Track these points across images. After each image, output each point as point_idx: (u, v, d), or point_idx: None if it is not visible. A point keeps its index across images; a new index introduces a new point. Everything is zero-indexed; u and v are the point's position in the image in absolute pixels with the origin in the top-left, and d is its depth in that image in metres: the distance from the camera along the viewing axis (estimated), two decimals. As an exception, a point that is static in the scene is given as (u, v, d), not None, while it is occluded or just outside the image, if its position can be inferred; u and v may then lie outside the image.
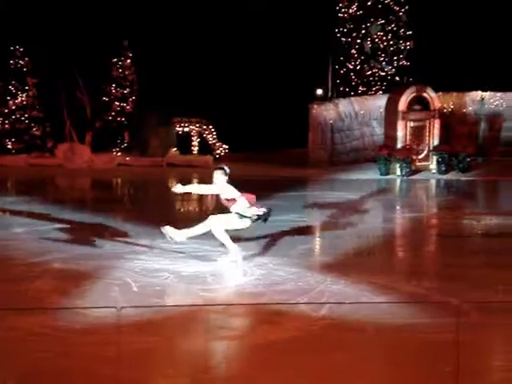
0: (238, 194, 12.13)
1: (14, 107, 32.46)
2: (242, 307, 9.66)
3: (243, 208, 12.06)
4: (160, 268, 11.64)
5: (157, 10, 32.45)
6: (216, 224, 12.02)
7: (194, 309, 9.46)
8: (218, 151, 31.35)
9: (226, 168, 12.33)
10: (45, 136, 32.66)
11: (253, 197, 12.33)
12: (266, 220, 12.34)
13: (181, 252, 12.77)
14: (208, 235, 13.86)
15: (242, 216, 12.06)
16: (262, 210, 12.21)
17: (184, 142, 31.95)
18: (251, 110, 31.84)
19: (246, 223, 12.20)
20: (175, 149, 31.29)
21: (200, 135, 31.75)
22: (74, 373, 7.27)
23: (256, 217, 12.15)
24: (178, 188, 12.61)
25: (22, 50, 32.62)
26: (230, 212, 12.13)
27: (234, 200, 12.07)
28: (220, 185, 12.17)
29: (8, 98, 32.61)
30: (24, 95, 32.58)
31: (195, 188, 13.52)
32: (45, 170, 28.89)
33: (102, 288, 10.35)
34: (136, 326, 8.24)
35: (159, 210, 18.28)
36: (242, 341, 8.55)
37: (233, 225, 12.13)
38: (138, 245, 13.49)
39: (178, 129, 31.73)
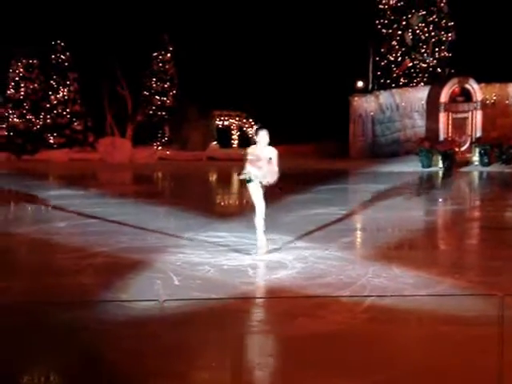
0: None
1: (55, 102, 32.81)
2: (283, 300, 9.65)
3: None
4: (201, 261, 11.67)
5: (197, 4, 32.54)
6: (258, 211, 11.95)
7: (235, 302, 9.46)
8: (258, 144, 31.29)
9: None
10: (86, 130, 32.98)
11: None
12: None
13: (222, 245, 12.80)
14: (248, 228, 13.92)
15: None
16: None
17: (224, 135, 32.05)
18: (292, 103, 31.82)
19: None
20: (215, 142, 31.39)
21: (240, 128, 31.81)
22: (118, 367, 7.31)
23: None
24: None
25: (63, 44, 32.92)
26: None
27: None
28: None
29: (50, 92, 32.95)
30: (65, 90, 32.90)
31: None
32: (86, 164, 29.15)
33: (144, 281, 10.40)
34: (178, 319, 8.26)
35: (200, 204, 18.34)
36: (283, 334, 8.54)
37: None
38: (179, 238, 13.55)
39: (218, 122, 31.83)
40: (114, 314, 8.74)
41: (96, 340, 8.08)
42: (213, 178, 27.14)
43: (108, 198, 19.57)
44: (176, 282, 10.39)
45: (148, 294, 9.64)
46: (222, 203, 20.12)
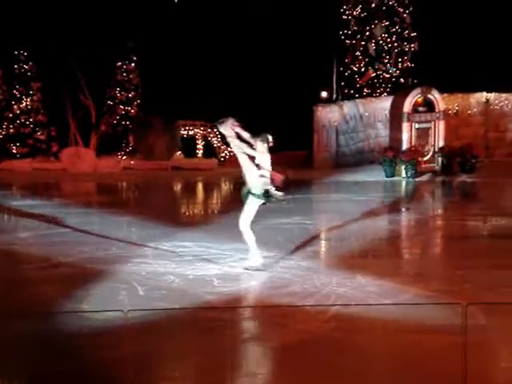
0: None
1: (18, 111, 32.49)
2: (248, 310, 9.65)
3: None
4: (166, 271, 11.63)
5: (161, 14, 32.48)
6: (244, 224, 11.87)
7: (200, 312, 9.45)
8: (223, 154, 31.23)
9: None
10: (49, 140, 32.68)
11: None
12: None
13: (187, 255, 12.77)
14: (213, 238, 13.91)
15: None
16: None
17: (189, 145, 31.94)
18: (255, 113, 31.85)
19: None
20: (180, 152, 31.29)
21: (205, 138, 31.73)
22: (82, 376, 7.27)
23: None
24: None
25: (26, 54, 32.68)
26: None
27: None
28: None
29: (13, 102, 32.68)
30: (28, 99, 32.62)
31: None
32: (50, 174, 28.91)
33: (108, 292, 10.35)
34: (143, 330, 8.23)
35: (165, 214, 18.26)
36: (249, 343, 8.54)
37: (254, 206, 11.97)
38: (143, 248, 13.49)
39: (182, 132, 31.72)
40: (78, 325, 8.68)
41: (60, 351, 8.01)
42: (177, 187, 27.06)
43: (71, 208, 19.39)
44: (140, 293, 10.35)
45: (112, 304, 9.59)
46: (187, 213, 20.07)
